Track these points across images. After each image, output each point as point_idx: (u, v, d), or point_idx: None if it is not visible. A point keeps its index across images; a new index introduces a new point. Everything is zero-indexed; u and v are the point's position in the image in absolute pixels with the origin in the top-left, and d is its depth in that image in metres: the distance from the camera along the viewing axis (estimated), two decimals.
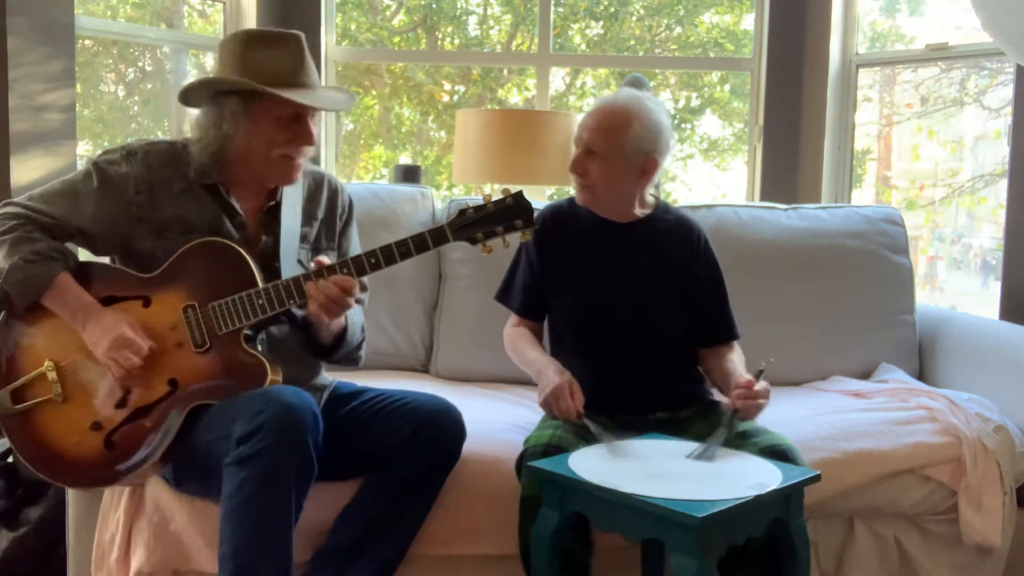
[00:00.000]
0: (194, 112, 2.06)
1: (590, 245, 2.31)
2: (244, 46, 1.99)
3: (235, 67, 1.99)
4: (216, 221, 2.06)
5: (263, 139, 2.01)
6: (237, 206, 2.09)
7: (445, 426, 2.08)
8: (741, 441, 2.06)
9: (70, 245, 2.07)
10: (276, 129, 2.00)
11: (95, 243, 2.07)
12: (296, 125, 2.01)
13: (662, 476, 1.84)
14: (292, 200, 2.14)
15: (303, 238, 2.16)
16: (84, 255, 2.13)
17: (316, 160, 2.22)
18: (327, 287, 1.93)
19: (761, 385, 2.07)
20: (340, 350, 2.15)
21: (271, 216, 2.12)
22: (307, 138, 2.03)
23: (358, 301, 2.23)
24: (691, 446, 2.01)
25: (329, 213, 2.23)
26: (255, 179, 2.09)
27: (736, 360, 2.27)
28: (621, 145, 2.18)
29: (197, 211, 2.05)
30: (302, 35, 2.05)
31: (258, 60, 1.98)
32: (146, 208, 2.04)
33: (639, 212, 2.31)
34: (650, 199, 2.35)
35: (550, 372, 2.16)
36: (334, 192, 2.25)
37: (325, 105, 2.04)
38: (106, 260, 2.12)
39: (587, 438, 2.08)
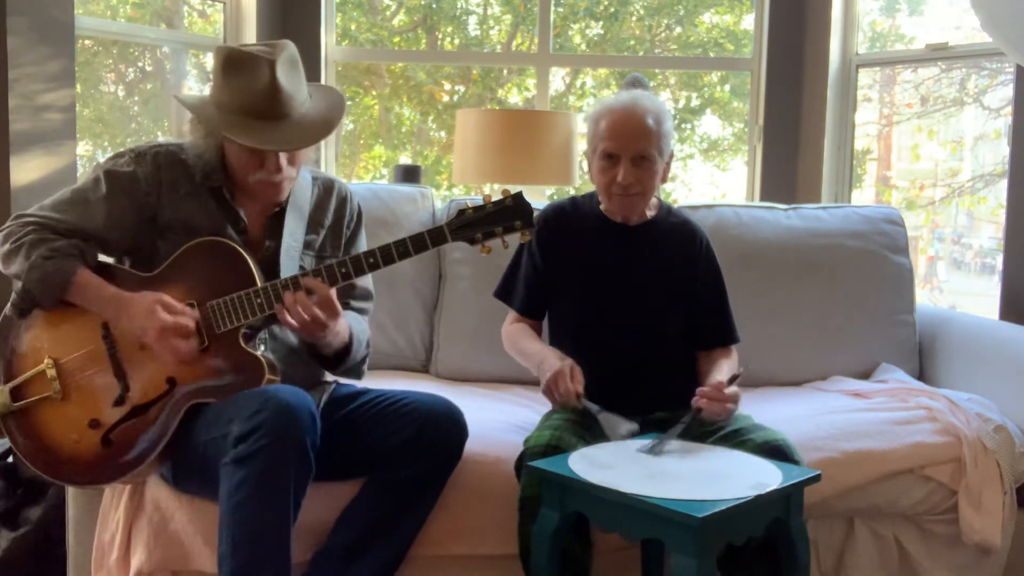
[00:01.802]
0: (191, 116, 2.06)
1: (594, 246, 2.31)
2: (222, 70, 1.97)
3: (217, 91, 1.99)
4: (219, 225, 2.06)
5: (236, 162, 2.03)
6: (241, 211, 2.09)
7: (447, 427, 2.08)
8: (737, 438, 2.06)
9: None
10: (244, 155, 2.00)
11: (109, 247, 2.08)
12: (264, 154, 1.99)
13: (662, 476, 1.84)
14: (298, 206, 2.14)
15: (308, 245, 2.16)
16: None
17: (316, 161, 2.21)
18: (304, 306, 1.92)
19: (732, 390, 2.07)
20: (343, 364, 2.15)
21: (275, 222, 2.11)
22: (274, 167, 2.00)
23: (362, 311, 2.23)
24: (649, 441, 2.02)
25: (336, 221, 2.22)
26: None
27: (726, 365, 2.27)
28: (661, 147, 2.19)
29: (201, 214, 2.06)
30: (279, 56, 1.96)
31: (233, 88, 1.96)
32: (155, 209, 2.05)
33: (647, 213, 2.32)
34: (653, 199, 2.35)
35: (551, 359, 2.17)
36: (343, 200, 2.24)
37: (279, 147, 1.97)
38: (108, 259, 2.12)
39: (587, 438, 2.08)
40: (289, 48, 2.01)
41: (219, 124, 1.95)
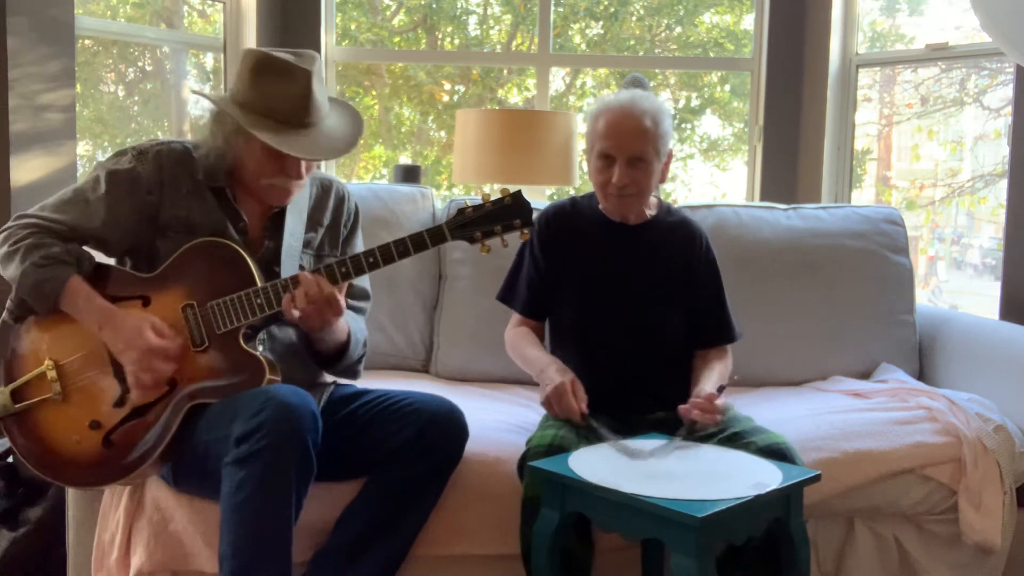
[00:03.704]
0: (195, 113, 2.07)
1: (594, 246, 2.31)
2: (253, 73, 1.98)
3: (242, 90, 1.99)
4: (219, 224, 2.06)
5: (254, 164, 2.02)
6: (242, 211, 2.09)
7: (449, 427, 2.08)
8: (738, 441, 2.06)
9: (86, 249, 2.06)
10: (266, 157, 2.00)
11: (109, 247, 2.08)
12: (285, 159, 1.99)
13: (662, 476, 1.84)
14: (297, 206, 2.14)
15: (307, 244, 2.16)
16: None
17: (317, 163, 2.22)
18: (313, 293, 1.92)
19: (720, 401, 2.07)
20: (340, 363, 2.15)
21: (275, 222, 2.12)
22: (295, 173, 2.01)
23: (359, 310, 2.23)
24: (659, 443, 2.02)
25: (334, 220, 2.23)
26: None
27: (717, 368, 2.26)
28: (658, 147, 2.19)
29: (202, 213, 2.06)
30: (313, 68, 1.99)
31: (262, 91, 1.96)
32: (156, 207, 2.05)
33: (647, 213, 2.32)
34: (652, 199, 2.35)
35: (551, 371, 2.16)
36: (340, 199, 2.25)
37: (309, 155, 1.98)
38: (107, 259, 2.12)
39: (589, 438, 2.08)
40: (318, 60, 2.03)
41: (250, 125, 1.95)
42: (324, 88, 2.05)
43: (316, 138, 1.99)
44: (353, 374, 2.22)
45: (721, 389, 2.09)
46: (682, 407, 2.07)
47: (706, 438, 2.10)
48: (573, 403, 2.08)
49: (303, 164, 2.02)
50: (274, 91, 1.96)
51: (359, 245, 2.29)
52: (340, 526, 2.07)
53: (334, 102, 2.11)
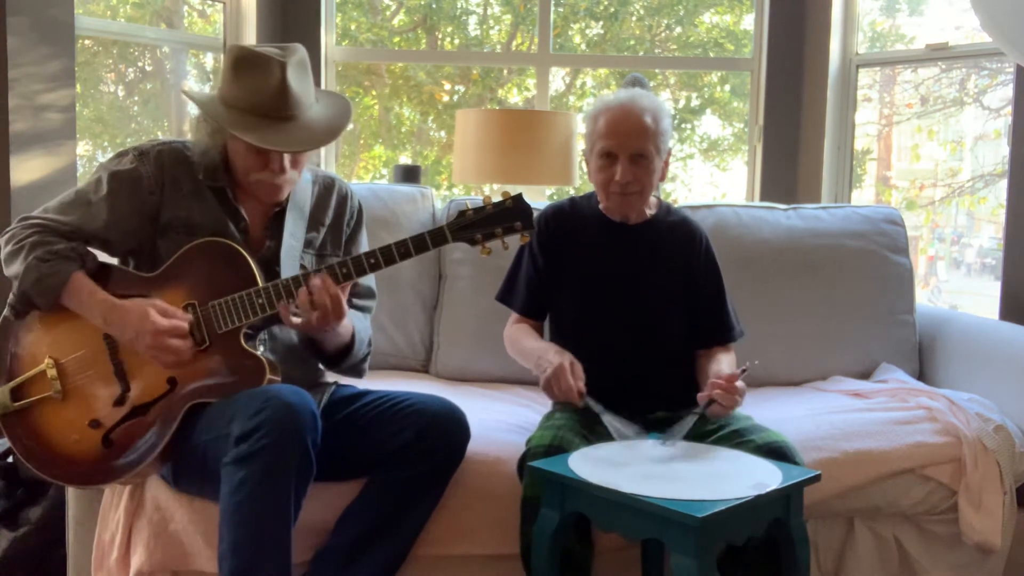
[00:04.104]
0: (194, 114, 2.07)
1: (593, 245, 2.31)
2: (233, 68, 1.98)
3: (226, 87, 2.00)
4: (220, 224, 2.06)
5: (240, 160, 2.03)
6: (242, 210, 2.09)
7: (450, 427, 2.08)
8: (738, 439, 2.06)
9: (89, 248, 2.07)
10: (249, 153, 2.00)
11: (112, 247, 2.08)
12: (268, 153, 1.99)
13: (662, 476, 1.84)
14: (299, 206, 2.14)
15: (308, 243, 2.16)
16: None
17: (316, 162, 2.21)
18: (318, 292, 1.92)
19: (738, 384, 2.07)
20: (345, 361, 2.15)
21: (276, 221, 2.12)
22: (277, 167, 2.01)
23: (364, 309, 2.23)
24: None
25: (337, 219, 2.23)
26: None
27: (726, 363, 2.27)
28: (659, 144, 2.19)
29: (203, 212, 2.06)
30: (289, 58, 1.97)
31: (241, 86, 1.97)
32: (157, 207, 2.05)
33: (647, 212, 2.32)
34: (652, 198, 2.35)
35: (550, 354, 2.16)
36: (343, 198, 2.25)
37: (284, 147, 1.97)
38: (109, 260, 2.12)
39: (590, 438, 2.08)
40: (300, 51, 2.02)
41: (226, 121, 1.95)
42: (306, 79, 2.03)
43: (294, 131, 1.98)
44: (358, 373, 2.22)
45: (741, 373, 2.09)
46: (701, 395, 2.07)
47: (704, 435, 2.10)
48: (571, 383, 2.08)
49: (287, 158, 2.01)
50: (251, 85, 1.96)
51: (364, 244, 2.28)
52: (340, 526, 2.07)
53: (324, 94, 2.10)
